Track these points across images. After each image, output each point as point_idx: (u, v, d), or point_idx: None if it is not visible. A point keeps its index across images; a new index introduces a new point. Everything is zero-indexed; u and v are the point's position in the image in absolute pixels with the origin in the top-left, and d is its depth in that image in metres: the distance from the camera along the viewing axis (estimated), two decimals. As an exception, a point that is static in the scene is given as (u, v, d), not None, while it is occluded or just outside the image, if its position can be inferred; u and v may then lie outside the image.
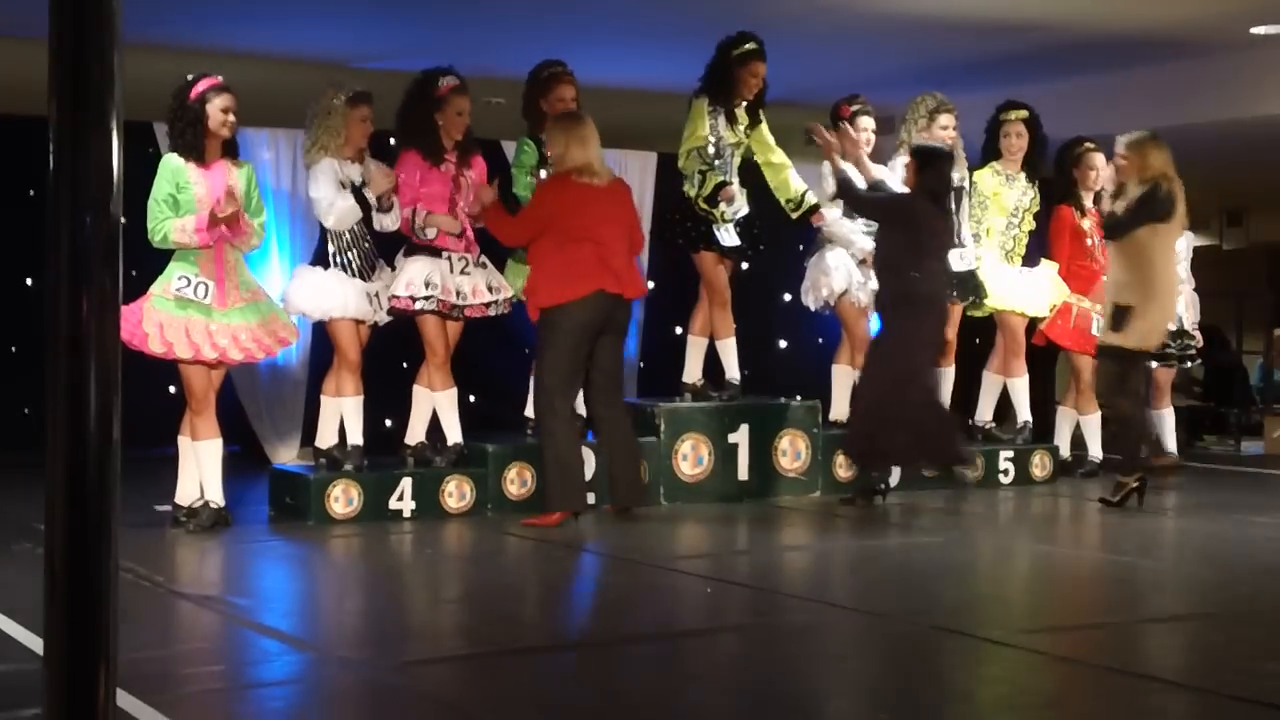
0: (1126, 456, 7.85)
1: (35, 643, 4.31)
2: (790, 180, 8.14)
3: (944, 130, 8.41)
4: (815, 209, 8.14)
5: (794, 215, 8.22)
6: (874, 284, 8.25)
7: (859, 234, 8.31)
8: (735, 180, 7.96)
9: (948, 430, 7.83)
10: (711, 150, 7.82)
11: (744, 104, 7.94)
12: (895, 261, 7.61)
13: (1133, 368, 7.77)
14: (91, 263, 1.96)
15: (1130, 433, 7.82)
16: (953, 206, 8.21)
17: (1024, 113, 8.80)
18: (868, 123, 8.28)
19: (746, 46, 7.89)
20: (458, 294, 7.34)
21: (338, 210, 7.07)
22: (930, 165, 7.68)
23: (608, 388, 7.28)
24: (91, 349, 1.95)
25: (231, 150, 6.77)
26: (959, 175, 8.55)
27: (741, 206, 7.99)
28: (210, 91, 6.60)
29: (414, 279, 7.27)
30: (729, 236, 7.92)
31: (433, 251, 7.33)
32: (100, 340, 1.96)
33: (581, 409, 7.50)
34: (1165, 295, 7.73)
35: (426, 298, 7.25)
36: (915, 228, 7.59)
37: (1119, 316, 7.59)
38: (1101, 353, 7.87)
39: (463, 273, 7.39)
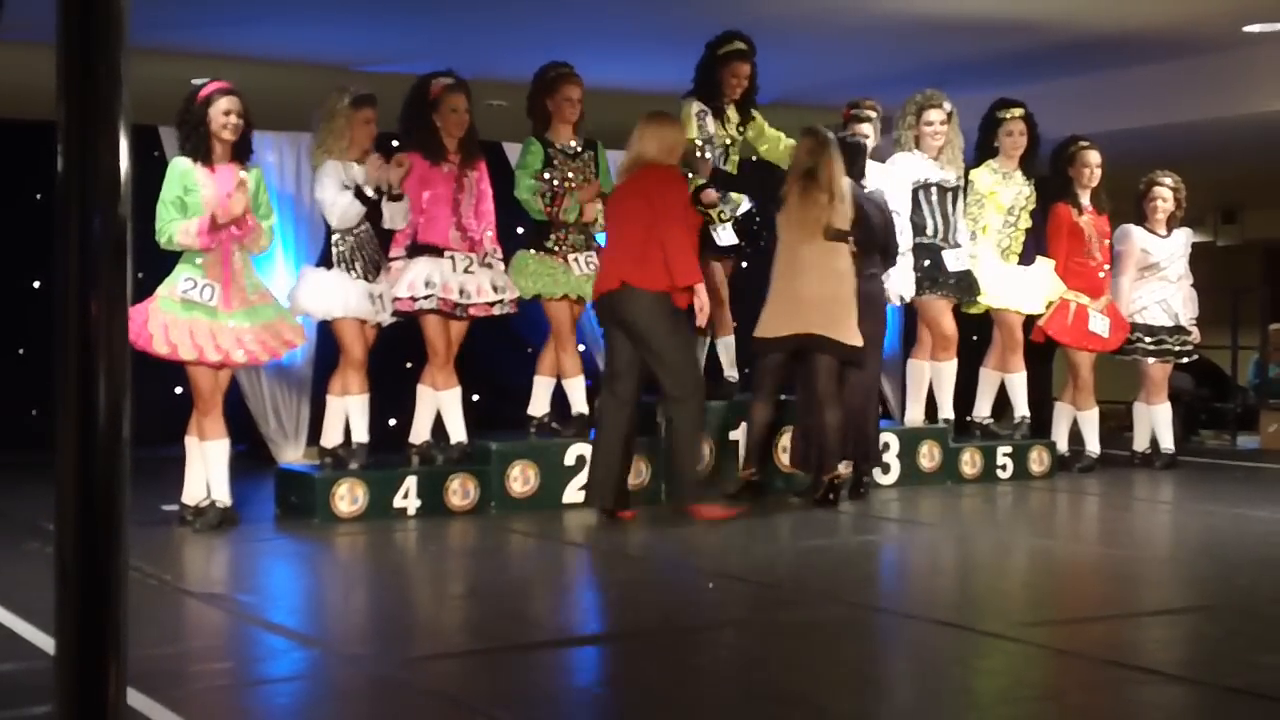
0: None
1: (45, 641, 4.35)
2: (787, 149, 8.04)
3: (929, 126, 8.40)
4: None
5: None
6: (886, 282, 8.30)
7: None
8: (733, 173, 7.98)
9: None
10: (697, 154, 7.82)
11: (732, 103, 7.93)
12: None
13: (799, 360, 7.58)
14: (100, 265, 1.98)
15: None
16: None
17: (1022, 110, 8.83)
18: (866, 130, 8.22)
19: (729, 46, 7.83)
20: (461, 293, 7.40)
21: (339, 208, 7.11)
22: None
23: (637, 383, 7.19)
24: (101, 350, 1.97)
25: (242, 153, 6.79)
26: (955, 173, 8.57)
27: (742, 203, 8.01)
28: (215, 94, 6.64)
29: (415, 279, 7.34)
30: (726, 236, 7.93)
31: (435, 252, 7.40)
32: (109, 341, 1.99)
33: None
34: (795, 286, 7.45)
35: (427, 297, 7.31)
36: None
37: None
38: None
39: (466, 272, 7.44)
